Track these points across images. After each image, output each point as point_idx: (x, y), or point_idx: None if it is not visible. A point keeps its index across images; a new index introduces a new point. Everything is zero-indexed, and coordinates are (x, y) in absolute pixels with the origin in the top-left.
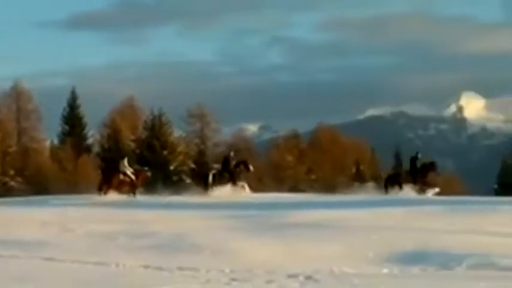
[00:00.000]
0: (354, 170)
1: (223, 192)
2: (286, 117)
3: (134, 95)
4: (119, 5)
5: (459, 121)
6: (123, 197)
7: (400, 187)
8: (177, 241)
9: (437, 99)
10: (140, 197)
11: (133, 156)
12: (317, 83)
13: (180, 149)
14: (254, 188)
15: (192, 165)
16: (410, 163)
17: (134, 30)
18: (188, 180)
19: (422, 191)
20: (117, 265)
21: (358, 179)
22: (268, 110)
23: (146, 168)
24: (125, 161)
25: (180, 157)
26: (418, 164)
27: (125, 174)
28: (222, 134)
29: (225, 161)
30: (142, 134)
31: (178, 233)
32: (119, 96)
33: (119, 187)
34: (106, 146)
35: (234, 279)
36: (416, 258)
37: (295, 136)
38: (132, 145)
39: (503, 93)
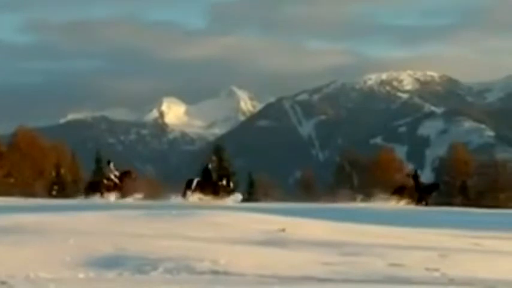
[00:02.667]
0: (54, 173)
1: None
2: None
3: None
4: None
5: (160, 126)
6: None
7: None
8: None
9: (138, 105)
10: None
11: None
12: (19, 85)
13: None
14: None
15: None
16: (414, 180)
17: None
18: None
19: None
20: None
21: (59, 182)
22: None
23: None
24: (111, 165)
25: None
26: (421, 181)
27: (108, 179)
28: None
29: (206, 172)
30: None
31: None
32: None
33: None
34: None
35: None
36: (112, 262)
37: None
38: None
39: (203, 100)
